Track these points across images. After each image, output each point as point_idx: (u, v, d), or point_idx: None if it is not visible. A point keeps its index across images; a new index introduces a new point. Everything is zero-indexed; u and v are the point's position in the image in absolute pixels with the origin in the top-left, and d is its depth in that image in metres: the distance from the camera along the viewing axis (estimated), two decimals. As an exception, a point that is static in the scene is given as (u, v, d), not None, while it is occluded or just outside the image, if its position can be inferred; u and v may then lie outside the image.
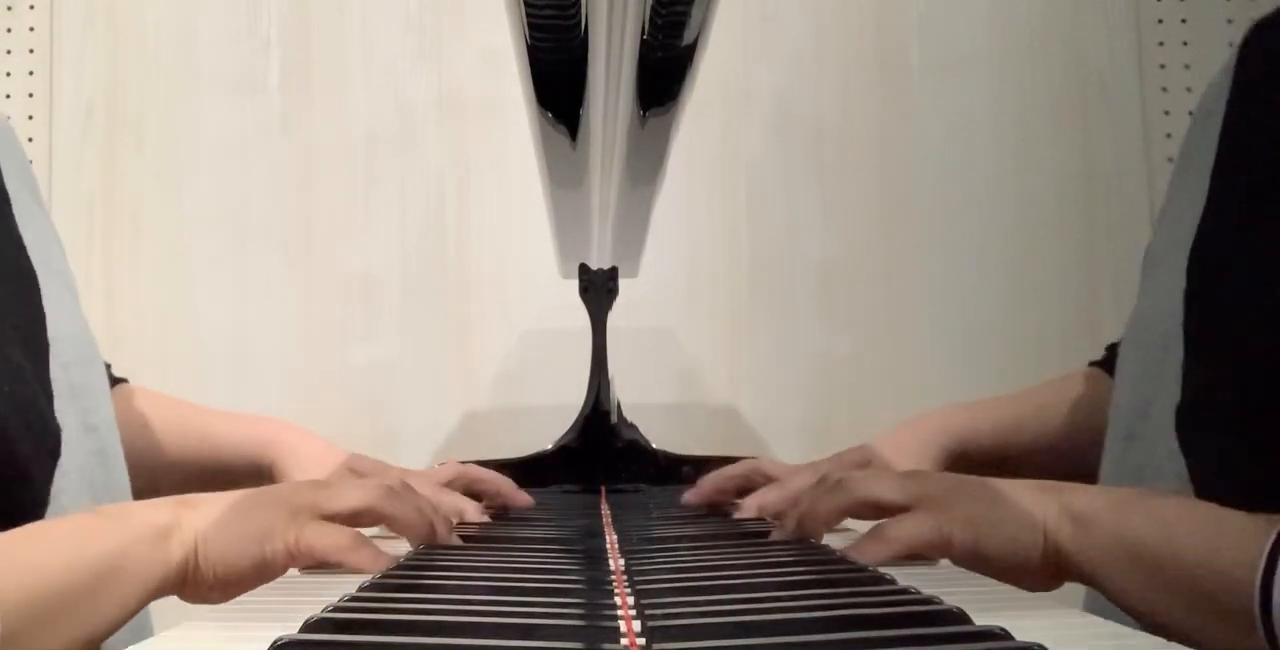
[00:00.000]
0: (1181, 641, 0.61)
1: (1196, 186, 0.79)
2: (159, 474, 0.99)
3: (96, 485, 0.81)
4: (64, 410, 0.79)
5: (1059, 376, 1.05)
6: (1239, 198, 0.76)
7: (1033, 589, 0.65)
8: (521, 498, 0.99)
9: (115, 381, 1.05)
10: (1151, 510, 0.63)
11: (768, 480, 0.94)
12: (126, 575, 0.62)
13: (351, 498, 0.69)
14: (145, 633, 0.73)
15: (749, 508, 0.89)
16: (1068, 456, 0.96)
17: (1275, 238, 0.71)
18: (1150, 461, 0.75)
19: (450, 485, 0.95)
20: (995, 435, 1.01)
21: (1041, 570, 0.65)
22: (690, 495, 0.98)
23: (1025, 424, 1.01)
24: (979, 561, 0.65)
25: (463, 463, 1.03)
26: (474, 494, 0.97)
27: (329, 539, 0.66)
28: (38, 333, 0.80)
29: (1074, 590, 0.67)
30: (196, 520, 0.66)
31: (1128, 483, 0.77)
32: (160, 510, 0.66)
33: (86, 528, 0.64)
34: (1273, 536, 0.55)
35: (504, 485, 0.99)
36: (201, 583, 0.65)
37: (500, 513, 0.96)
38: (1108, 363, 0.96)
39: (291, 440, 1.01)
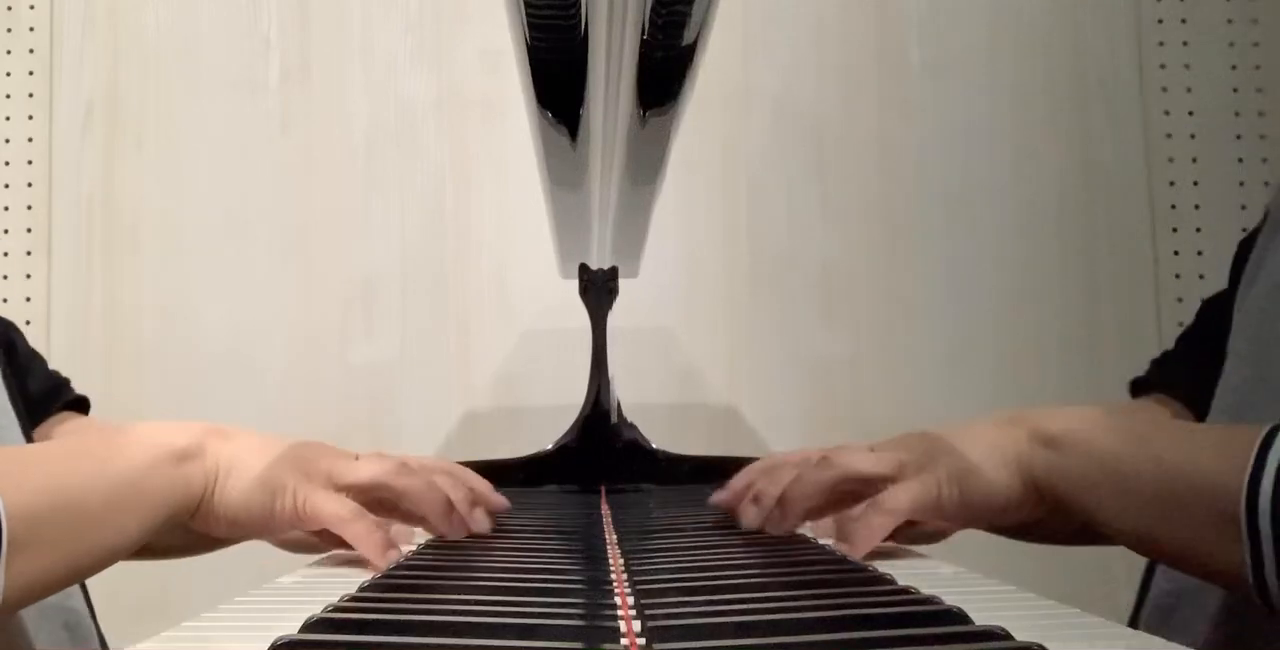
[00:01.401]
0: (1164, 557, 0.61)
1: None
2: None
3: None
4: None
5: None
6: None
7: (1022, 523, 0.66)
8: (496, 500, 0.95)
9: (76, 401, 1.04)
10: (1123, 425, 0.63)
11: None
12: (146, 495, 0.64)
13: (365, 471, 0.70)
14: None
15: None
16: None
17: None
18: None
19: None
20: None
21: (1024, 501, 0.65)
22: (718, 496, 0.94)
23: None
24: (967, 510, 0.65)
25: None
26: None
27: (332, 506, 0.68)
28: None
29: (1075, 591, 0.67)
30: (221, 451, 0.68)
31: None
32: (188, 433, 0.68)
33: (109, 446, 0.66)
34: (1261, 436, 0.54)
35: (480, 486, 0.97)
36: (211, 514, 0.68)
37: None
38: (1151, 382, 0.95)
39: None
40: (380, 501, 0.71)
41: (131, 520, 0.63)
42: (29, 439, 0.89)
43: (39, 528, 0.57)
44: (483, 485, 0.93)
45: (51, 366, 0.98)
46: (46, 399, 0.99)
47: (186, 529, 0.70)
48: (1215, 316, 0.88)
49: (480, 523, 0.73)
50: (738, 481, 0.91)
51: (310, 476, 0.68)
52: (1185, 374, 0.94)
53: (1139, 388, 0.96)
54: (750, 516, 0.73)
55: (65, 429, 0.99)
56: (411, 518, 0.74)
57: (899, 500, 0.66)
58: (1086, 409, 0.68)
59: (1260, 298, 0.80)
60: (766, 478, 0.76)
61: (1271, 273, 0.82)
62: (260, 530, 0.70)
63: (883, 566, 0.62)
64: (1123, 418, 0.65)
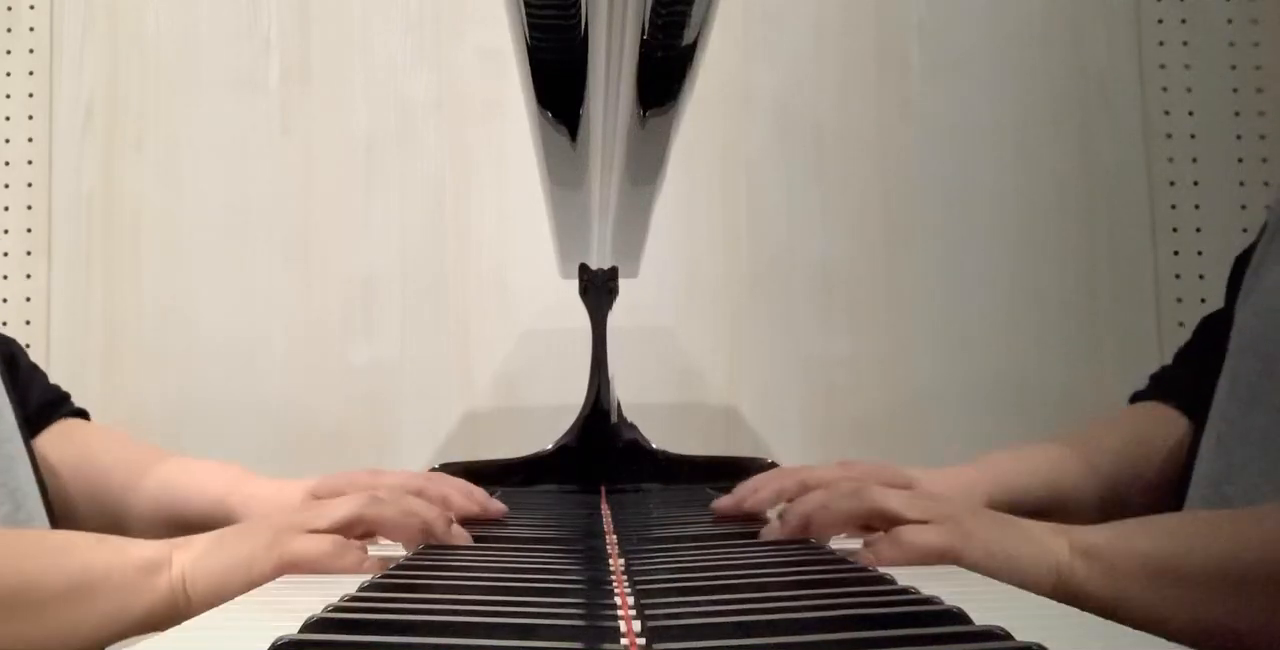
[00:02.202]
0: (1220, 646, 0.60)
1: None
2: (119, 517, 0.98)
3: None
4: None
5: (1108, 418, 1.02)
6: None
7: None
8: (495, 506, 0.91)
9: (75, 413, 1.04)
10: (1157, 527, 0.63)
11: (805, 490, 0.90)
12: (108, 595, 0.62)
13: (336, 511, 0.69)
14: None
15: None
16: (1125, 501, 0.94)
17: None
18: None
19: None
20: (1047, 488, 0.95)
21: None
22: (721, 503, 0.90)
23: (1084, 479, 0.96)
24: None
25: (443, 466, 1.02)
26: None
27: (312, 547, 0.66)
28: None
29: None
30: (184, 556, 0.66)
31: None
32: (152, 546, 0.66)
33: (77, 543, 0.64)
34: None
35: (457, 493, 0.91)
36: (191, 611, 0.64)
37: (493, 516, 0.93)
38: (1150, 395, 0.95)
39: (246, 490, 0.99)
40: (361, 536, 0.71)
41: (87, 617, 0.61)
42: (30, 450, 0.89)
43: None
44: (461, 498, 0.89)
45: (52, 366, 0.99)
46: (46, 410, 0.99)
47: None
48: (1213, 333, 0.88)
49: (459, 539, 0.72)
50: (744, 490, 0.90)
51: (278, 534, 0.67)
52: (1184, 385, 0.94)
53: (1137, 400, 0.97)
54: (772, 535, 0.72)
55: (66, 432, 0.99)
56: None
57: (920, 538, 0.65)
58: (1117, 523, 0.66)
59: (1267, 295, 0.81)
60: (796, 495, 0.76)
61: (1276, 273, 0.82)
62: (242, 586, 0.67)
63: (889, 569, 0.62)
64: (1155, 521, 0.64)
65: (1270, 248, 0.85)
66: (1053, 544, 0.64)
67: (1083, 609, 0.62)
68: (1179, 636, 0.60)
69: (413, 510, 0.71)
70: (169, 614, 0.65)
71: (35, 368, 1.01)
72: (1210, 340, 0.89)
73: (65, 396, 1.05)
